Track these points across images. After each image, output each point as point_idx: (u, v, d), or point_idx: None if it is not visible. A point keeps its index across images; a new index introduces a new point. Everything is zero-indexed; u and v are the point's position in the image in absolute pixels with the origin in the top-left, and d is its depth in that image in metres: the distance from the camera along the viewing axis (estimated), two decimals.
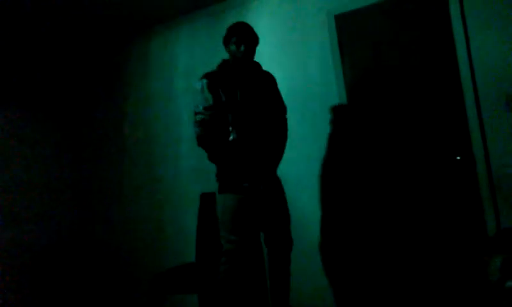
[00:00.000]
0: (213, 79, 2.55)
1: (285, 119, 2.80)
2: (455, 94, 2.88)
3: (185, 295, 3.10)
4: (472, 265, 2.77)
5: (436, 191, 2.94)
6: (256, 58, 3.01)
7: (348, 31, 3.22)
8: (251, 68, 2.65)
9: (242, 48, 2.55)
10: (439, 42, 2.95)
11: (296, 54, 3.39)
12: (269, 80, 2.74)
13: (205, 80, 2.55)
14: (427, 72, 2.99)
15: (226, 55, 2.73)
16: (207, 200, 3.09)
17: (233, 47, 2.58)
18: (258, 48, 3.45)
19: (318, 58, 3.30)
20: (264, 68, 2.87)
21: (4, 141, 3.69)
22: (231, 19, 3.52)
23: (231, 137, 2.53)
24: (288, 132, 2.85)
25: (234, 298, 2.52)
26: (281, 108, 2.77)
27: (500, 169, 2.74)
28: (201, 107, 2.52)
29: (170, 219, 3.88)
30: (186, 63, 3.84)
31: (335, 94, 3.22)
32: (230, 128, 2.53)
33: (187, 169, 3.80)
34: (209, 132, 2.51)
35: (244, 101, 2.55)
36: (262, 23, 3.51)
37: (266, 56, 3.38)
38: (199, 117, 2.53)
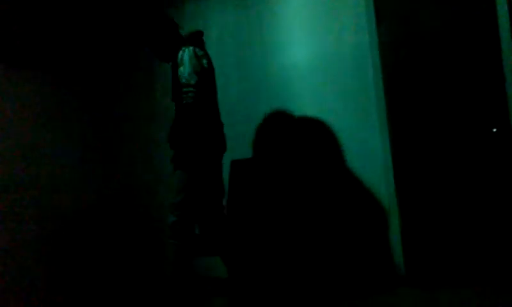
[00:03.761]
0: None
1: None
2: (493, 62, 2.77)
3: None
4: None
5: (471, 164, 2.86)
6: (288, 21, 3.07)
7: None
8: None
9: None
10: (479, 5, 2.84)
11: (328, 17, 3.27)
12: None
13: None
14: (466, 38, 2.89)
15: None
16: (237, 167, 3.04)
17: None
18: (289, 12, 3.38)
19: (352, 21, 3.18)
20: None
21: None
22: None
23: None
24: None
25: None
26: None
27: None
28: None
29: None
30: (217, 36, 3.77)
31: (368, 57, 3.09)
32: None
33: None
34: None
35: None
36: None
37: (297, 20, 3.33)
38: None
